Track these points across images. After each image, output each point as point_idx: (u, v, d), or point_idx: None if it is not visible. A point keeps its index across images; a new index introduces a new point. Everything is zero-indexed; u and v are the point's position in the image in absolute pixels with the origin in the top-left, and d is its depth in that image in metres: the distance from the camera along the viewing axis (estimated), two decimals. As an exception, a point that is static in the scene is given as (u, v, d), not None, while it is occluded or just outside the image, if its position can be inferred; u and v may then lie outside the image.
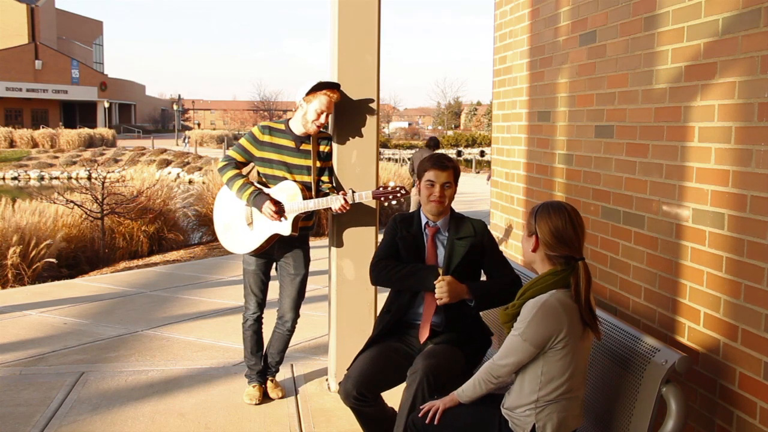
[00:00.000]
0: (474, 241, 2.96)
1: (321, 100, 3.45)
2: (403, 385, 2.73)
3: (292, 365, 4.35)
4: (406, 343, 2.95)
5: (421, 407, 2.45)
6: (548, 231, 2.23)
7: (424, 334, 2.90)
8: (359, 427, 2.96)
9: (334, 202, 3.39)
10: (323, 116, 3.46)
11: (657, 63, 2.75)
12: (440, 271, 2.82)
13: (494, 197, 4.67)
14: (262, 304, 3.73)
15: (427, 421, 2.39)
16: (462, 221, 3.04)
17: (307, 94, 3.47)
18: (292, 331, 3.72)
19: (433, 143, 11.48)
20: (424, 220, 3.03)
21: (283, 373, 4.10)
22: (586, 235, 3.29)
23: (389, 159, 32.43)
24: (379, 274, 2.96)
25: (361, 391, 2.76)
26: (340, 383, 2.88)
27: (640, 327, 2.80)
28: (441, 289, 2.72)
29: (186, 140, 44.02)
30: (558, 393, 2.20)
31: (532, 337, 2.16)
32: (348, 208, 3.42)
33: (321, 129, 3.54)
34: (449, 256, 2.94)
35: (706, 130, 2.45)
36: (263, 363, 3.80)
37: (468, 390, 2.38)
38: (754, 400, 2.22)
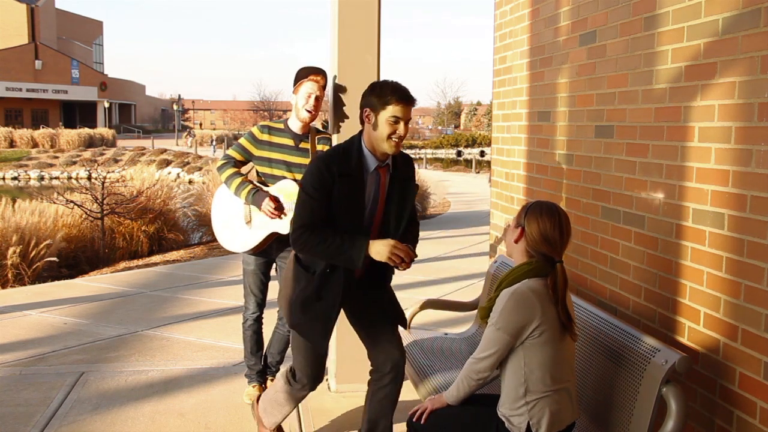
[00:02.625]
0: (412, 179, 2.73)
1: (307, 85, 3.48)
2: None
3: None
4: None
5: (413, 410, 2.47)
6: (536, 229, 2.28)
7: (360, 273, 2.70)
8: (359, 426, 2.96)
9: None
10: (312, 99, 3.47)
11: (657, 63, 2.75)
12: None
13: (494, 197, 4.67)
14: (261, 304, 3.73)
15: (414, 419, 2.43)
16: (400, 155, 2.69)
17: (295, 85, 3.51)
18: None
19: None
20: (373, 162, 2.58)
21: (283, 373, 4.10)
22: (588, 236, 3.30)
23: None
24: (304, 248, 2.55)
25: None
26: (298, 380, 2.87)
27: (640, 327, 2.80)
28: (409, 254, 2.52)
29: (191, 137, 44.02)
30: (546, 385, 2.21)
31: (506, 326, 2.20)
32: None
33: (315, 114, 3.53)
34: (403, 198, 2.65)
35: (706, 130, 2.45)
36: (263, 363, 3.80)
37: (453, 390, 2.40)
38: (754, 400, 2.22)
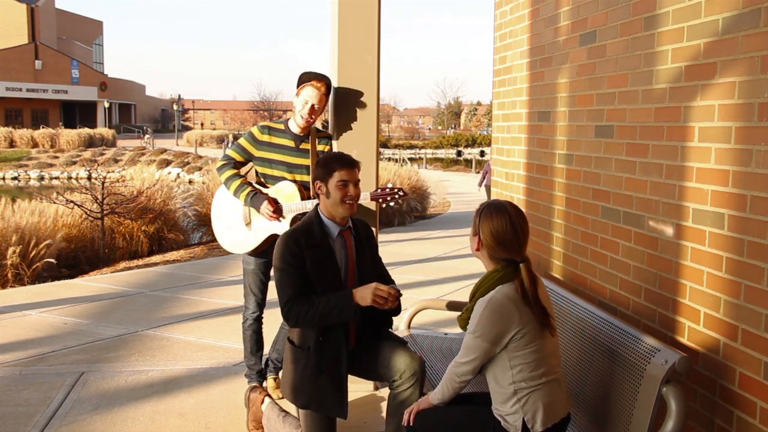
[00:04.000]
0: (372, 238, 2.95)
1: (307, 91, 3.47)
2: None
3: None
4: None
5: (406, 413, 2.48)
6: (488, 233, 2.25)
7: (353, 339, 2.84)
8: (361, 424, 2.96)
9: None
10: (308, 106, 3.46)
11: (657, 63, 2.75)
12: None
13: (494, 197, 4.67)
14: (261, 304, 3.73)
15: (404, 423, 2.44)
16: (357, 219, 2.94)
17: (297, 88, 3.51)
18: None
19: None
20: (335, 229, 2.79)
21: (283, 373, 4.11)
22: (588, 236, 3.30)
23: (389, 159, 32.42)
24: (298, 320, 2.65)
25: None
26: None
27: (640, 327, 2.80)
28: (391, 293, 2.63)
29: (148, 134, 45.32)
30: (535, 380, 2.22)
31: (485, 335, 2.20)
32: None
33: (311, 121, 3.52)
34: (371, 255, 2.89)
35: (706, 130, 2.45)
36: (263, 362, 3.80)
37: (437, 392, 2.41)
38: (754, 400, 2.22)
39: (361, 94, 3.72)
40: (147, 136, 47.93)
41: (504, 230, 2.22)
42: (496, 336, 2.19)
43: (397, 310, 2.75)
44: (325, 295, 2.66)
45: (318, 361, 2.69)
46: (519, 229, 2.24)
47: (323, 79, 3.51)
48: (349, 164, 2.75)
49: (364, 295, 2.62)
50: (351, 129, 3.72)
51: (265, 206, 3.41)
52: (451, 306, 3.87)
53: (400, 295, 2.69)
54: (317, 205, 2.84)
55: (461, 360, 2.29)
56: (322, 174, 2.75)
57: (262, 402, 3.41)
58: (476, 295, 2.30)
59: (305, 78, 3.50)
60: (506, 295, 2.21)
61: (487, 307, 2.20)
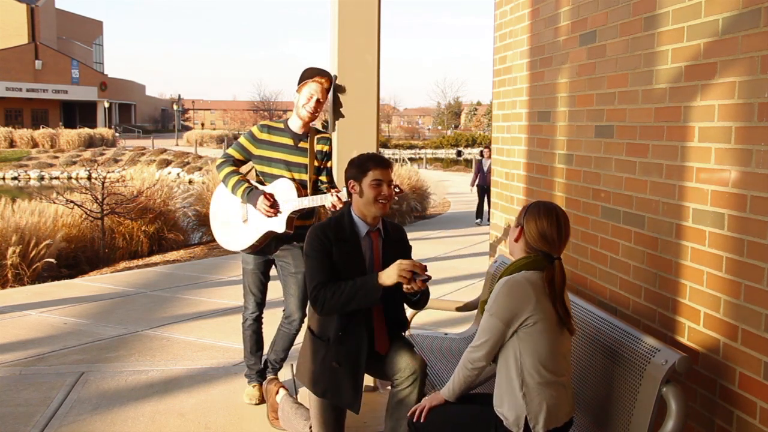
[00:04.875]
0: (405, 241, 2.94)
1: (311, 86, 3.49)
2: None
3: (292, 365, 4.34)
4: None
5: (411, 410, 2.48)
6: (534, 228, 2.33)
7: (384, 344, 2.84)
8: (360, 424, 2.96)
9: (327, 200, 3.38)
10: (313, 100, 3.49)
11: (657, 63, 2.75)
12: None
13: (494, 197, 4.67)
14: (261, 304, 3.73)
15: (414, 420, 2.44)
16: (389, 222, 2.94)
17: (299, 84, 3.51)
18: (299, 330, 3.72)
19: None
20: (364, 228, 2.80)
21: (284, 374, 4.11)
22: (588, 236, 3.30)
23: (389, 159, 32.32)
24: (324, 304, 2.65)
25: None
26: None
27: (640, 327, 2.80)
28: (417, 265, 2.58)
29: (117, 131, 44.53)
30: (541, 376, 2.23)
31: (499, 312, 2.24)
32: (341, 205, 3.41)
33: (315, 115, 3.54)
34: (398, 258, 2.79)
35: (706, 130, 2.45)
36: (263, 362, 3.80)
37: (448, 384, 2.43)
38: (754, 400, 2.22)
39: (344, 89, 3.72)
40: (116, 134, 45.97)
41: (550, 229, 2.31)
42: (510, 314, 2.23)
43: (425, 294, 2.76)
44: (352, 279, 2.67)
45: (337, 353, 2.71)
46: (564, 230, 2.34)
47: (326, 75, 3.54)
48: (384, 164, 2.78)
49: (390, 273, 2.59)
50: (351, 129, 3.72)
51: (262, 202, 3.41)
52: (451, 306, 3.88)
53: (425, 269, 2.62)
54: (349, 204, 2.87)
55: (475, 344, 2.31)
56: (356, 173, 2.77)
57: (277, 393, 3.46)
58: (501, 277, 2.34)
59: (308, 74, 3.52)
60: (527, 278, 2.27)
61: (506, 285, 2.26)
